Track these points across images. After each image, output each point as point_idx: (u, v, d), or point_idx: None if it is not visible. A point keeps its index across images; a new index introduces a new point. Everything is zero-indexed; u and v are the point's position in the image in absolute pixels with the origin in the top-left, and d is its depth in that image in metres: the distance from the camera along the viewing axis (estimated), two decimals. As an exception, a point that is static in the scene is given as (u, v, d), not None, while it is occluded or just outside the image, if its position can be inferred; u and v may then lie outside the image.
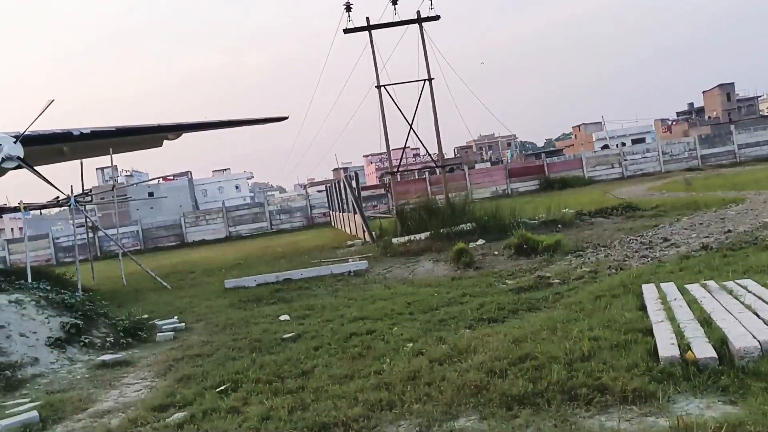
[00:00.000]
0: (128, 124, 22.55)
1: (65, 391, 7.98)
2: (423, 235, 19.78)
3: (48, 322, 9.93)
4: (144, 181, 65.65)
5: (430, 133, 22.96)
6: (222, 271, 21.18)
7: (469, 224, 19.66)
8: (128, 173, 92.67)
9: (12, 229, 69.15)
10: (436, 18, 22.78)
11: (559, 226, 18.82)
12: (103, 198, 37.16)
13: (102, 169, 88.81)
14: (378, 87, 22.45)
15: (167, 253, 38.60)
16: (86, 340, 9.87)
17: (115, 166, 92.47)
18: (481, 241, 17.89)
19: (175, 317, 12.75)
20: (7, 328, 9.45)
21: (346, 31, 22.52)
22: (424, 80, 22.64)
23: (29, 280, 16.58)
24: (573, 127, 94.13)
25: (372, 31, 22.51)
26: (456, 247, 15.02)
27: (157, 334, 10.69)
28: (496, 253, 15.56)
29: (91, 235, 30.20)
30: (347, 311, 10.74)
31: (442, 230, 19.45)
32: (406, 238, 20.16)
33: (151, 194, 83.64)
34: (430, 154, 24.15)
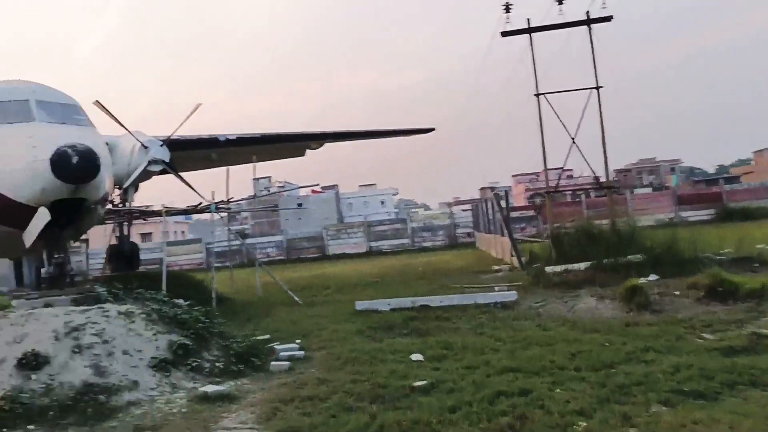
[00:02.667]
0: (272, 132, 22.12)
1: (155, 430, 6.74)
2: (582, 265, 17.24)
3: (156, 340, 8.89)
4: (285, 190, 67.39)
5: (590, 150, 20.30)
6: (357, 289, 19.92)
7: (638, 255, 16.84)
8: (281, 184, 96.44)
9: (175, 232, 73.64)
10: (608, 19, 20.21)
11: (756, 265, 15.48)
12: (248, 205, 37.74)
13: (257, 179, 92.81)
14: (537, 95, 20.24)
15: (308, 264, 38.49)
16: (194, 364, 8.71)
17: (269, 177, 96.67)
18: (653, 277, 15.06)
19: (298, 341, 11.44)
20: (111, 344, 8.50)
21: (504, 34, 20.59)
22: (591, 89, 20.10)
23: (164, 286, 16.23)
24: (754, 153, 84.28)
25: (533, 33, 20.39)
26: (628, 284, 12.48)
27: (272, 363, 9.33)
28: (677, 293, 12.77)
29: (239, 242, 30.42)
30: (494, 357, 8.74)
31: (605, 260, 16.83)
32: (563, 267, 17.70)
33: (300, 205, 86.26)
34: (594, 172, 21.49)
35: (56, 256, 9.72)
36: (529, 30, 20.57)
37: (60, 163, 8.67)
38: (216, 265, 35.15)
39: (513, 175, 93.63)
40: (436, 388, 7.40)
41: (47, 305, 9.32)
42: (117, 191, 19.36)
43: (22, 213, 9.26)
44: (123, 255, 20.15)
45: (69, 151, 8.71)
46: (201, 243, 43.74)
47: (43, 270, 9.91)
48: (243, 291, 22.31)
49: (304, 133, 23.45)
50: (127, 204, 19.04)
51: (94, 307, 9.20)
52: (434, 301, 14.51)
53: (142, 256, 42.53)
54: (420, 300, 14.61)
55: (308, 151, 24.93)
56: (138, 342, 8.74)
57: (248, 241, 46.68)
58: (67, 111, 10.83)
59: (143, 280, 18.25)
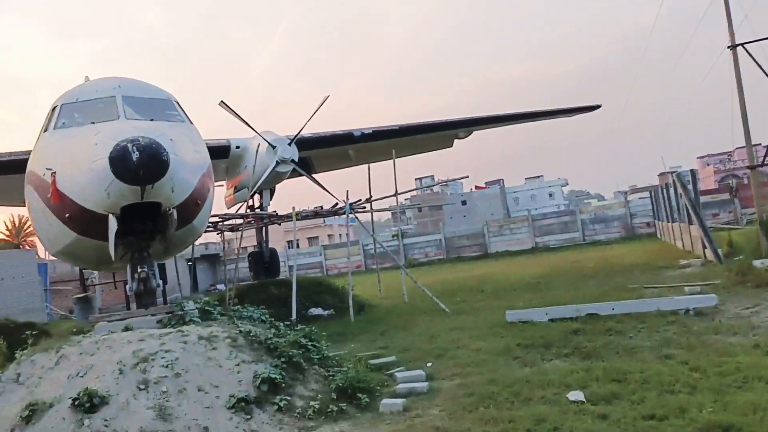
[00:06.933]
0: (413, 122, 20.19)
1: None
2: (804, 257, 13.38)
3: (238, 372, 7.22)
4: (430, 186, 66.14)
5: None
6: (514, 292, 17.38)
7: None
8: (444, 182, 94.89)
9: (340, 235, 74.65)
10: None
11: None
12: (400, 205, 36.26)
13: (420, 178, 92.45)
14: (732, 47, 16.28)
15: (468, 264, 36.19)
16: (282, 403, 6.90)
17: (432, 175, 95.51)
18: None
19: (429, 364, 9.34)
20: (183, 378, 6.94)
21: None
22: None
23: (293, 291, 14.96)
24: None
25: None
26: None
27: (382, 402, 7.26)
28: None
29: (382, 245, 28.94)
30: (691, 400, 5.97)
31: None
32: (775, 259, 13.93)
33: (464, 203, 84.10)
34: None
35: (139, 270, 8.49)
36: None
37: (118, 160, 7.34)
38: (373, 266, 34.26)
39: (698, 157, 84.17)
40: (600, 459, 4.89)
41: (127, 328, 8.06)
42: (256, 195, 18.60)
43: (94, 221, 8.11)
44: (263, 261, 19.29)
45: (129, 146, 7.34)
46: (358, 245, 43.07)
47: (127, 287, 8.75)
48: (391, 296, 20.67)
49: (449, 120, 21.20)
50: (262, 208, 18.14)
51: (172, 330, 7.77)
52: (604, 308, 11.63)
53: (304, 260, 43.13)
54: (586, 308, 11.80)
55: (457, 142, 22.74)
56: (217, 375, 7.11)
57: (407, 240, 45.49)
58: (157, 106, 9.66)
59: (280, 288, 17.25)
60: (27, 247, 46.63)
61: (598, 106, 23.29)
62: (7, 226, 54.00)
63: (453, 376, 8.51)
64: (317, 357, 8.09)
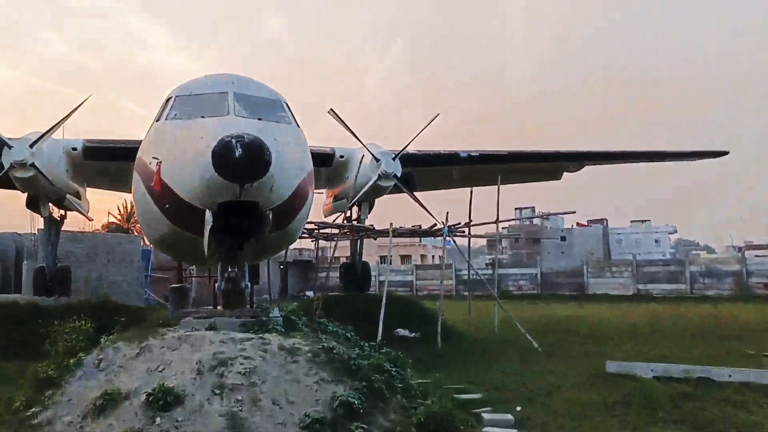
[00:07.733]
0: (522, 149, 19.43)
1: None
2: None
3: (316, 390, 6.82)
4: (530, 218, 64.18)
5: None
6: (612, 341, 16.19)
7: None
8: (544, 215, 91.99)
9: (433, 256, 74.02)
10: None
11: None
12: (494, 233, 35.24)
13: (520, 209, 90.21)
14: None
15: (563, 302, 34.61)
16: (358, 431, 6.43)
17: (533, 207, 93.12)
18: None
19: (517, 408, 8.63)
20: (260, 387, 6.63)
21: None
22: None
23: (382, 309, 14.57)
24: None
25: None
26: None
27: (464, 446, 6.66)
28: None
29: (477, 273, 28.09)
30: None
31: None
32: None
33: (563, 239, 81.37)
34: None
35: (229, 270, 8.36)
36: None
37: (220, 155, 7.21)
38: (463, 293, 33.46)
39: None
40: None
41: (211, 327, 7.89)
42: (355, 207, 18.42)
43: (190, 214, 8.06)
44: (354, 274, 19.06)
45: (233, 142, 7.21)
46: (451, 269, 42.31)
47: (216, 285, 8.64)
48: (480, 326, 19.91)
49: (559, 152, 20.31)
50: (360, 221, 17.93)
51: (254, 337, 7.51)
52: (720, 373, 10.43)
53: (395, 277, 42.84)
54: (698, 370, 10.65)
55: (565, 175, 21.71)
56: (293, 390, 6.75)
57: (500, 271, 44.25)
58: (267, 106, 9.56)
59: (368, 304, 16.87)
60: (135, 233, 49.00)
61: (726, 153, 21.64)
62: (119, 211, 57.15)
63: (544, 426, 7.78)
64: (400, 385, 7.58)
